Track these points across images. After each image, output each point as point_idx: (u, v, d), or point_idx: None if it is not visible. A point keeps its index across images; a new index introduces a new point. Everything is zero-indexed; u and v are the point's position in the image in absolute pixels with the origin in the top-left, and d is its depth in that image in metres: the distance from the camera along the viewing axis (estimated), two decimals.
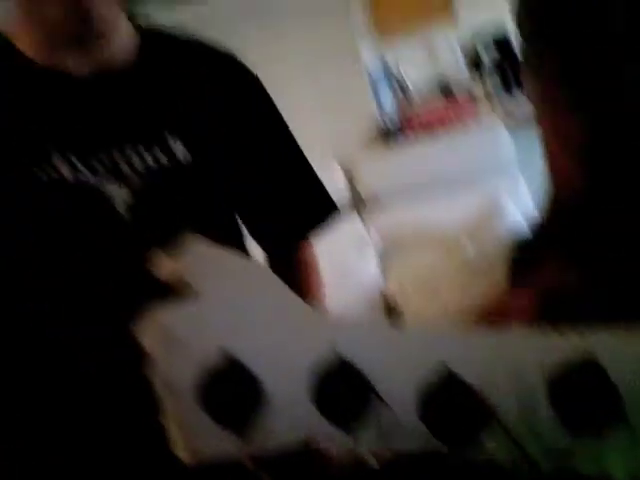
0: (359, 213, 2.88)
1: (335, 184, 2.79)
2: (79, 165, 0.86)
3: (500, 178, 2.88)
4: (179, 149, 0.92)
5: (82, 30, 0.86)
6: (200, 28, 2.06)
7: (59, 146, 0.86)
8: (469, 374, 0.37)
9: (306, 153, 1.15)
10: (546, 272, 0.54)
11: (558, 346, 0.38)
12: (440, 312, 2.54)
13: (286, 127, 1.10)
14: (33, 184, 0.85)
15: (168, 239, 0.91)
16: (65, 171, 0.86)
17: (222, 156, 0.99)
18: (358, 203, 2.90)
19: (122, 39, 0.93)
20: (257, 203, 1.09)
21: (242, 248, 1.08)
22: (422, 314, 2.57)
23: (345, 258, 2.57)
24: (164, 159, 0.91)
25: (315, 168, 1.16)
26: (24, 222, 0.86)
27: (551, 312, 0.50)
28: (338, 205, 1.19)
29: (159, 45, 0.98)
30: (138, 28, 0.97)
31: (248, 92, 1.04)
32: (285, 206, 1.12)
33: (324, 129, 2.93)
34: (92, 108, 0.89)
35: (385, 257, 2.69)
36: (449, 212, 2.71)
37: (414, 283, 2.55)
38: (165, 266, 0.54)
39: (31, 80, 0.88)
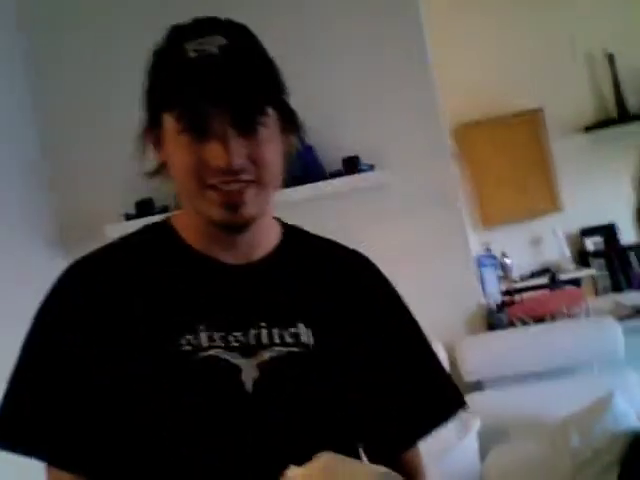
0: None
1: None
2: (218, 340, 0.97)
3: (609, 370, 2.81)
4: (306, 335, 1.01)
5: (239, 233, 1.01)
6: (316, 207, 2.23)
7: (205, 322, 0.98)
8: None
9: None
10: None
11: None
12: None
13: (412, 317, 1.12)
14: (177, 353, 0.96)
15: (287, 417, 0.97)
16: (205, 344, 0.96)
17: (347, 347, 1.04)
18: (460, 385, 2.88)
19: (268, 237, 1.08)
20: (375, 398, 1.06)
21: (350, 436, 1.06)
22: None
23: (444, 440, 2.52)
24: (292, 342, 1.00)
25: None
26: (162, 388, 0.95)
27: None
28: (464, 401, 1.11)
29: (296, 241, 1.11)
30: (280, 225, 1.11)
31: (374, 288, 1.12)
32: (407, 404, 1.08)
33: (430, 310, 2.98)
34: (236, 291, 1.02)
35: (486, 441, 2.61)
36: (554, 400, 2.64)
37: (515, 470, 2.45)
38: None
39: (187, 262, 1.03)
